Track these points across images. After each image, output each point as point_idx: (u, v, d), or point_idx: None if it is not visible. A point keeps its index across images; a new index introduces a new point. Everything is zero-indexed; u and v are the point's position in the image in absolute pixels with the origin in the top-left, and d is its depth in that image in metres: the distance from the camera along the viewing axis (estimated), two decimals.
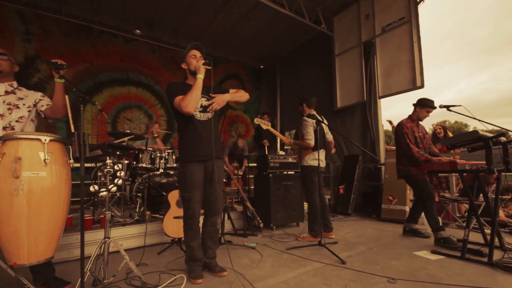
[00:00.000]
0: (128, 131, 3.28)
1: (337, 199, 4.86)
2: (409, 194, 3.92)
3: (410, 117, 3.13)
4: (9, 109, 1.71)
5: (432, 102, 3.01)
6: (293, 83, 6.97)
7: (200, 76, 1.84)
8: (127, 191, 3.42)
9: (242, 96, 2.12)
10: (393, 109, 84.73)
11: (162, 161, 3.36)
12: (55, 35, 5.08)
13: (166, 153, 3.41)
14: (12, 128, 1.70)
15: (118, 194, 3.14)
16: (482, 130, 2.29)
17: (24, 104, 1.76)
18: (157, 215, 3.15)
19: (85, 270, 1.45)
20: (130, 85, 5.89)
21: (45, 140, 1.44)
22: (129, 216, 3.11)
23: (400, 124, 3.08)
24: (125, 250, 2.55)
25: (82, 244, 1.42)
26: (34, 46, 4.86)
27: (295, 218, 3.72)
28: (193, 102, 1.78)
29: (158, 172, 3.29)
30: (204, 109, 1.99)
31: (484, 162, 2.24)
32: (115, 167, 1.71)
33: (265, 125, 3.08)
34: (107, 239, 1.73)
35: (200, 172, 1.91)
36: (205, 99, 2.01)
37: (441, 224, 2.81)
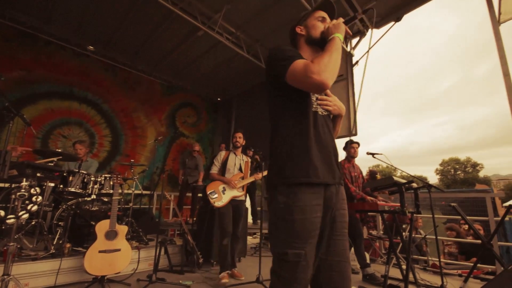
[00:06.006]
0: (60, 150, 2.94)
1: None
2: None
3: (346, 158, 3.52)
4: None
5: (351, 140, 3.50)
6: (248, 119, 7.29)
7: (339, 36, 1.10)
8: (48, 218, 2.97)
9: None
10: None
11: (96, 186, 3.07)
12: None
13: (102, 178, 3.13)
14: None
15: (33, 222, 2.70)
16: (402, 176, 2.70)
17: None
18: (80, 249, 2.77)
19: None
20: (73, 100, 5.43)
21: None
22: (44, 249, 2.66)
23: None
24: None
25: None
26: None
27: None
28: (331, 70, 1.00)
29: (89, 199, 2.97)
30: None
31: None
32: (32, 190, 1.50)
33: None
34: (5, 276, 1.46)
35: (318, 206, 1.05)
36: None
37: (368, 260, 3.06)
